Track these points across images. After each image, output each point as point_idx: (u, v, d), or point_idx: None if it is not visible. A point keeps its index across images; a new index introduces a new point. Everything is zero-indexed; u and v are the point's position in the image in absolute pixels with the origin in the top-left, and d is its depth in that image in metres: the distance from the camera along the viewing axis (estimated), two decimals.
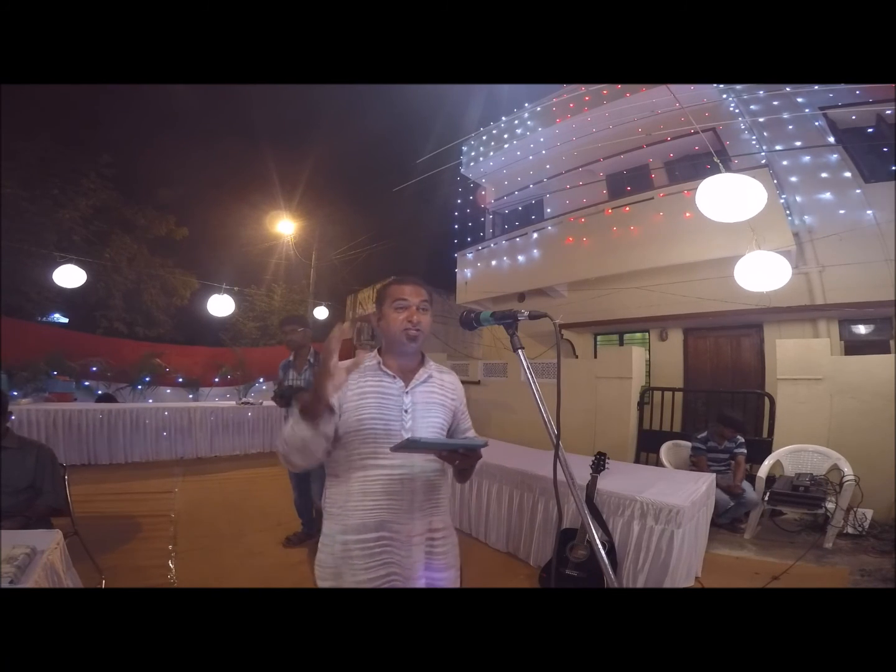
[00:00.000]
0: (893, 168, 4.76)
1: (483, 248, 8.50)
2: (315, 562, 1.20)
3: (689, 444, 4.06)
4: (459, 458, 1.09)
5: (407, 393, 1.21)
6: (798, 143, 5.49)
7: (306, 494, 3.06)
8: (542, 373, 5.73)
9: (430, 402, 1.24)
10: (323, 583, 1.17)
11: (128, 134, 11.21)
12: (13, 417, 4.32)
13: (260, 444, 6.31)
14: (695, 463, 3.71)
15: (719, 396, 5.23)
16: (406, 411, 1.20)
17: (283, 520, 3.63)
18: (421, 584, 1.18)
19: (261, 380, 8.88)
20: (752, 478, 3.62)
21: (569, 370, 5.82)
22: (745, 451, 3.67)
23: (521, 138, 8.13)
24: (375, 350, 1.28)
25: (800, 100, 5.63)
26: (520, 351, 1.09)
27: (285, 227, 12.85)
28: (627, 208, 6.38)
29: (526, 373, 1.06)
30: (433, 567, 1.21)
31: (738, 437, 3.74)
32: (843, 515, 3.18)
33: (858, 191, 5.05)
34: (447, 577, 1.23)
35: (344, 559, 1.14)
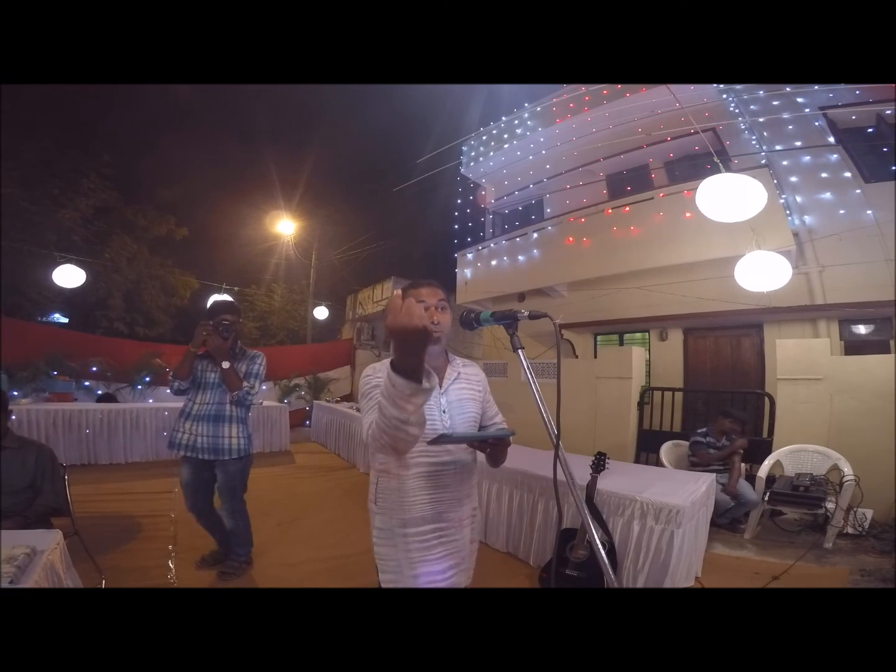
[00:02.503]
0: (893, 168, 4.76)
1: (483, 248, 8.49)
2: (375, 555, 1.28)
3: (689, 444, 4.06)
4: (490, 446, 1.20)
5: (442, 394, 1.28)
6: (798, 143, 5.49)
7: (209, 514, 2.64)
8: (542, 373, 5.72)
9: (463, 398, 1.32)
10: (385, 576, 1.25)
11: (128, 134, 11.22)
12: (14, 417, 4.32)
13: (260, 444, 6.30)
14: (694, 461, 3.72)
15: (719, 396, 5.24)
16: (444, 412, 1.26)
17: (284, 520, 3.63)
18: (466, 550, 1.32)
19: None
20: (752, 478, 3.63)
21: (569, 370, 5.82)
22: (745, 442, 3.68)
23: (521, 138, 8.12)
24: None
25: (800, 100, 5.63)
26: (520, 351, 1.09)
27: (285, 227, 12.85)
28: (627, 208, 6.38)
29: (526, 373, 1.06)
30: (475, 540, 1.38)
31: (735, 436, 3.76)
32: (843, 515, 3.18)
33: (858, 191, 5.05)
34: (474, 549, 1.39)
35: (405, 552, 1.22)
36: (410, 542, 1.22)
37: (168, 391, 2.64)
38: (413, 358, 0.86)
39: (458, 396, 1.31)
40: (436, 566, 1.23)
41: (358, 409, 4.62)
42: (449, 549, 1.26)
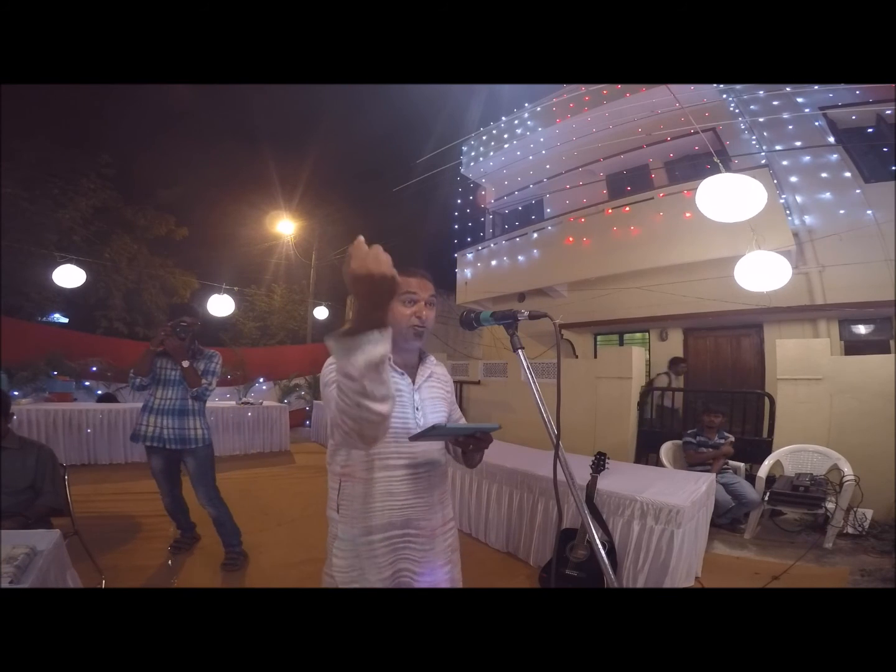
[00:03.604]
0: (893, 168, 4.76)
1: (483, 248, 8.50)
2: (332, 567, 1.16)
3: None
4: (474, 442, 1.14)
5: (416, 390, 1.22)
6: (798, 143, 5.49)
7: (179, 499, 2.89)
8: (542, 373, 5.72)
9: (435, 397, 1.27)
10: (348, 586, 1.14)
11: (128, 134, 11.19)
12: (15, 418, 4.32)
13: (260, 444, 6.31)
14: (690, 462, 3.73)
15: (719, 396, 5.23)
16: (417, 409, 1.21)
17: (284, 520, 3.63)
18: (440, 570, 1.23)
19: (261, 380, 8.89)
20: (752, 478, 3.63)
21: (569, 370, 5.82)
22: (731, 449, 3.73)
23: (521, 138, 8.13)
24: None
25: (800, 100, 5.64)
26: (520, 351, 1.09)
27: (285, 227, 12.83)
28: (627, 208, 6.38)
29: (526, 373, 1.06)
30: (446, 551, 1.27)
31: (727, 433, 3.83)
32: (843, 515, 3.18)
33: (858, 191, 5.05)
34: (453, 560, 1.29)
35: (369, 559, 1.13)
36: (376, 547, 1.13)
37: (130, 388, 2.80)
38: (377, 312, 0.80)
39: (431, 395, 1.26)
40: (408, 565, 1.16)
41: None
42: (417, 557, 1.18)
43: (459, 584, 1.30)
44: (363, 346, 0.80)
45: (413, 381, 1.22)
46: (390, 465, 1.14)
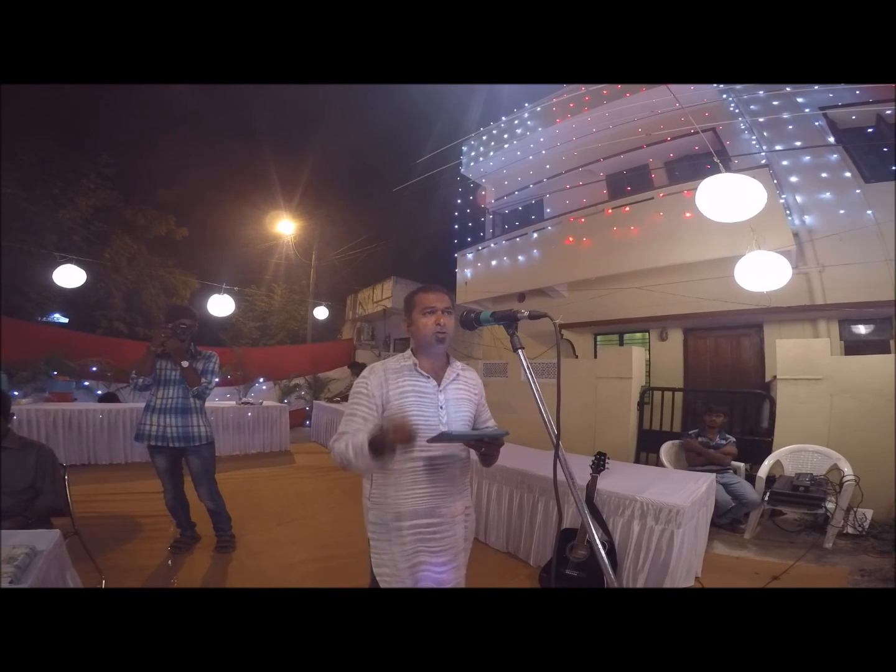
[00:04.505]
0: (893, 168, 4.75)
1: (483, 248, 8.49)
2: (371, 548, 1.34)
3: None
4: (485, 445, 1.28)
5: (440, 392, 1.36)
6: (798, 143, 5.48)
7: (182, 497, 2.92)
8: (542, 373, 5.72)
9: (460, 398, 1.40)
10: (379, 569, 1.31)
11: (128, 134, 11.21)
12: (14, 418, 4.32)
13: (260, 444, 6.31)
14: (691, 463, 3.73)
15: (719, 396, 5.23)
16: (441, 408, 1.35)
17: (283, 520, 3.64)
18: (461, 555, 1.39)
19: (261, 380, 8.89)
20: (752, 478, 3.63)
21: (569, 370, 5.81)
22: (735, 449, 3.74)
23: (521, 138, 8.12)
24: (409, 350, 1.43)
25: (800, 100, 5.63)
26: (520, 351, 1.10)
27: (285, 227, 12.82)
28: (627, 208, 6.37)
29: (526, 373, 1.06)
30: (465, 536, 1.42)
31: (728, 435, 3.83)
32: (843, 515, 3.18)
33: (858, 191, 5.04)
34: (468, 548, 1.45)
35: (400, 545, 1.29)
36: (405, 535, 1.29)
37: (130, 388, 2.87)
38: (391, 453, 1.15)
39: (456, 396, 1.38)
40: (430, 559, 1.29)
41: None
42: (443, 546, 1.32)
43: (464, 570, 1.43)
44: (371, 463, 1.15)
45: (439, 384, 1.36)
46: (415, 457, 1.29)
